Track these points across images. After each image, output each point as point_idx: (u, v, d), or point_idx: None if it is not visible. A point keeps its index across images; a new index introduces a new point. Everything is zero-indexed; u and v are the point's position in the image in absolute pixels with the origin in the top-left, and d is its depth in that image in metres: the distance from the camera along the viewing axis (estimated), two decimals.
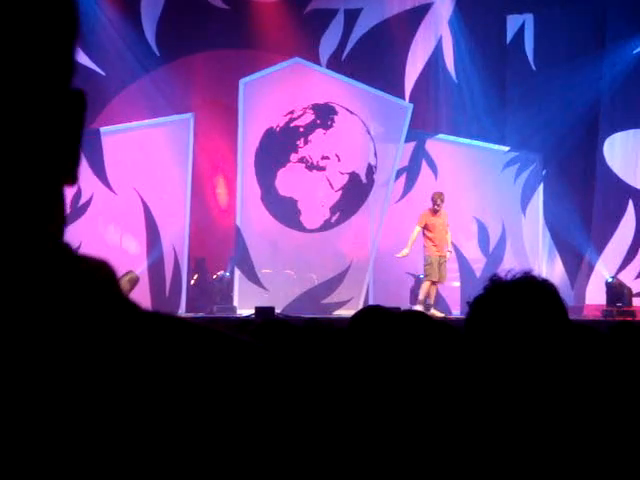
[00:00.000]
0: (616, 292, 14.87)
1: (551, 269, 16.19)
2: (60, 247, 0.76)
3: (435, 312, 13.92)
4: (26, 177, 0.73)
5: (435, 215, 14.57)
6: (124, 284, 13.51)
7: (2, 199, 0.71)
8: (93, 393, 0.71)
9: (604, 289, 15.14)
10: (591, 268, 16.04)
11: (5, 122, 0.72)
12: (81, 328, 0.73)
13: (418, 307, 13.83)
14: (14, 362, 0.70)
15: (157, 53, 15.51)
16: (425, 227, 14.54)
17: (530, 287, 2.36)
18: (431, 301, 14.47)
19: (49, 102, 0.75)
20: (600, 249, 15.98)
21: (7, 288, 0.71)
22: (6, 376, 0.70)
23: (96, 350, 0.73)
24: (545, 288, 2.38)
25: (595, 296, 15.59)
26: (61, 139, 0.76)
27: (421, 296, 14.34)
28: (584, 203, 16.13)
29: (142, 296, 14.26)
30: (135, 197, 15.24)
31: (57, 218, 0.77)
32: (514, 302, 2.33)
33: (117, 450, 0.70)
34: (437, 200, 14.59)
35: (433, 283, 14.51)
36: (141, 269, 15.01)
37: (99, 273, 0.78)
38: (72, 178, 0.78)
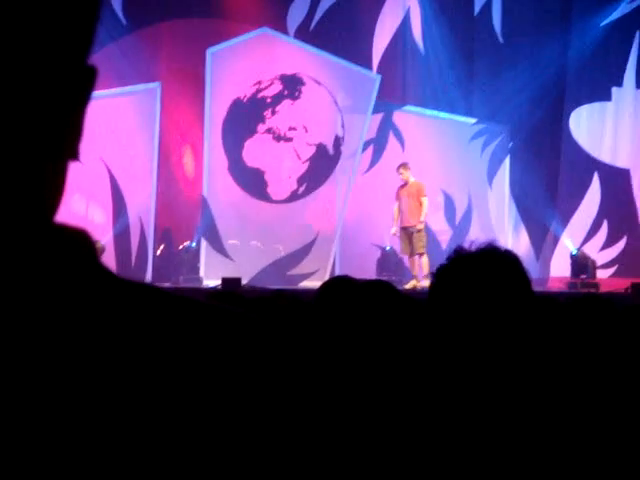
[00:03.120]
0: (581, 264, 14.98)
1: (517, 241, 16.27)
2: (48, 219, 0.76)
3: (413, 284, 14.02)
4: (29, 149, 0.73)
5: (403, 187, 14.58)
6: None
7: (3, 170, 0.71)
8: (83, 367, 0.71)
9: (569, 261, 15.24)
10: (556, 240, 16.13)
11: (14, 92, 0.71)
12: (64, 299, 0.73)
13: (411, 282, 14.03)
14: None
15: (124, 21, 15.38)
16: (397, 200, 14.59)
17: (493, 257, 2.38)
18: (413, 272, 14.46)
19: (63, 75, 0.75)
20: (565, 221, 16.08)
21: None
22: None
23: (80, 323, 0.73)
24: (508, 258, 2.40)
25: (560, 268, 15.69)
26: (67, 113, 0.76)
27: (416, 270, 14.41)
28: (550, 176, 16.20)
29: (108, 266, 14.19)
30: (101, 167, 15.15)
31: (57, 191, 0.77)
32: (477, 272, 2.34)
33: (111, 431, 0.69)
34: (399, 170, 14.63)
35: (408, 255, 14.55)
36: (107, 239, 14.96)
37: (79, 242, 0.79)
38: (74, 153, 0.78)
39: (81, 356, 0.71)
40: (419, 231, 14.43)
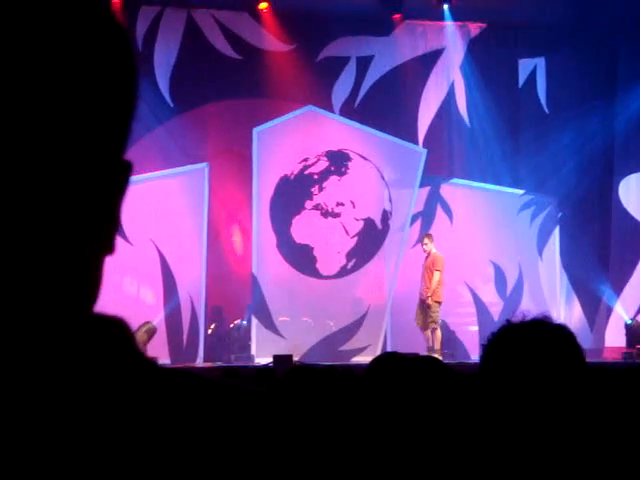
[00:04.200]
0: (636, 334, 14.78)
1: (569, 311, 16.12)
2: (87, 311, 0.78)
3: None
4: (67, 245, 0.74)
5: (426, 258, 14.54)
6: (142, 335, 13.52)
7: (43, 265, 0.73)
8: (111, 450, 0.72)
9: (623, 331, 15.05)
10: (609, 310, 15.96)
11: (52, 189, 0.73)
12: (98, 388, 0.75)
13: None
14: (39, 426, 0.72)
15: (171, 104, 15.60)
16: None
17: (543, 329, 2.34)
18: (432, 345, 14.15)
19: (99, 172, 0.77)
20: (618, 291, 15.92)
21: (28, 350, 0.73)
22: (33, 438, 0.71)
23: (113, 410, 0.74)
24: (560, 332, 2.36)
25: (615, 338, 15.50)
26: (104, 209, 0.78)
27: (429, 343, 14.18)
28: (600, 245, 16.10)
29: (160, 346, 14.26)
30: (151, 247, 15.27)
31: (94, 284, 0.79)
32: (527, 344, 2.31)
33: None
34: (423, 241, 14.63)
35: (421, 329, 14.40)
36: (158, 319, 15.01)
37: (116, 331, 0.80)
38: (110, 248, 0.80)
39: (105, 439, 0.73)
40: (429, 306, 14.24)
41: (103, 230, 0.78)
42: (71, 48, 0.74)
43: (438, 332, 14.26)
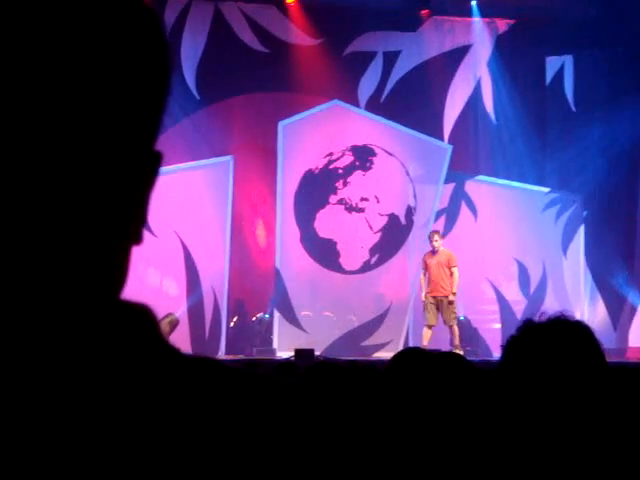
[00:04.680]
0: None
1: (593, 311, 16.05)
2: (114, 298, 0.79)
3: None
4: (96, 233, 0.75)
5: (433, 255, 14.43)
6: (164, 326, 13.56)
7: (71, 252, 0.74)
8: (137, 436, 0.73)
9: None
10: (634, 310, 15.89)
11: (83, 178, 0.74)
12: (124, 374, 0.76)
13: None
14: (63, 410, 0.72)
15: (197, 97, 15.63)
16: (425, 268, 14.45)
17: (563, 328, 2.34)
18: (423, 343, 13.85)
19: (130, 161, 0.78)
20: None
21: (56, 336, 0.74)
22: (57, 421, 0.72)
23: (139, 396, 0.75)
24: (579, 329, 2.35)
25: (638, 338, 15.43)
26: (133, 199, 0.79)
27: (424, 342, 14.02)
28: (626, 244, 16.02)
29: (182, 338, 14.29)
30: (175, 239, 15.31)
31: (121, 272, 0.80)
32: (548, 343, 2.30)
33: None
34: (430, 239, 14.51)
35: (429, 327, 14.29)
36: (181, 311, 15.06)
37: (141, 318, 0.80)
38: (138, 238, 0.81)
39: (132, 426, 0.74)
40: (451, 302, 14.20)
41: (132, 219, 0.79)
42: (105, 37, 0.75)
43: (456, 328, 14.25)
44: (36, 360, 0.73)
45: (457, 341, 14.18)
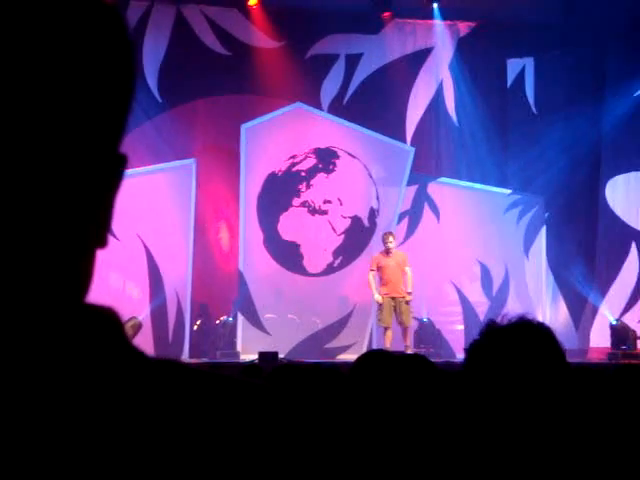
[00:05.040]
0: (621, 335, 14.81)
1: (555, 312, 16.15)
2: (79, 301, 0.79)
3: None
4: (60, 237, 0.75)
5: (387, 256, 14.43)
6: (127, 330, 13.46)
7: (36, 255, 0.73)
8: (102, 440, 0.72)
9: (609, 332, 15.08)
10: (595, 311, 15.99)
11: (46, 180, 0.73)
12: (90, 376, 0.75)
13: None
14: (25, 414, 0.72)
15: (159, 99, 15.57)
16: (377, 269, 14.44)
17: (525, 330, 2.36)
18: (386, 345, 13.86)
19: (94, 164, 0.77)
20: (604, 292, 15.95)
21: (21, 339, 0.73)
22: (18, 424, 0.71)
23: (105, 398, 0.74)
24: (540, 331, 2.38)
25: (600, 339, 15.53)
26: (98, 202, 0.78)
27: (387, 344, 14.00)
28: (587, 246, 16.12)
29: (145, 342, 14.23)
30: (138, 243, 15.25)
31: (86, 275, 0.79)
32: (510, 346, 2.32)
33: None
34: (385, 240, 14.48)
35: (385, 329, 14.31)
36: (144, 315, 14.99)
37: (107, 320, 0.80)
38: (103, 241, 0.80)
39: (94, 428, 0.73)
40: (408, 302, 14.25)
41: (96, 222, 0.79)
42: (69, 39, 0.74)
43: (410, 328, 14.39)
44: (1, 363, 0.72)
45: (408, 341, 14.23)
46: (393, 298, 14.21)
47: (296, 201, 16.06)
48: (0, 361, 0.72)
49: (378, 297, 14.29)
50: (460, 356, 14.72)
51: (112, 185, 0.80)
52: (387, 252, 14.39)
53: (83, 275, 0.79)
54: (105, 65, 0.76)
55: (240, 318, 15.76)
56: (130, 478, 0.71)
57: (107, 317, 0.80)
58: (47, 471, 0.70)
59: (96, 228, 0.79)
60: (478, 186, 16.50)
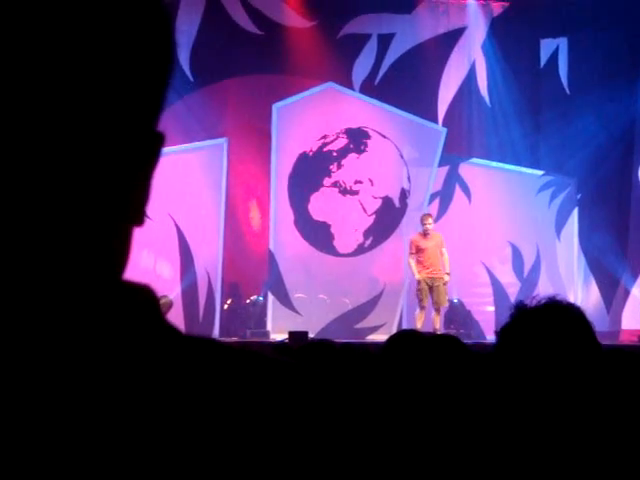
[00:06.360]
0: None
1: (586, 293, 16.08)
2: (116, 279, 0.79)
3: None
4: (97, 213, 0.75)
5: (425, 238, 14.42)
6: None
7: (72, 236, 0.73)
8: (138, 415, 0.73)
9: None
10: (627, 293, 15.91)
11: (85, 158, 0.73)
12: (128, 353, 0.75)
13: None
14: (69, 392, 0.72)
15: (191, 78, 15.58)
16: (416, 251, 14.42)
17: (556, 312, 2.35)
18: (417, 325, 13.88)
19: (131, 141, 0.77)
20: (636, 273, 15.86)
21: (59, 318, 0.73)
22: (56, 398, 0.72)
23: (143, 375, 0.75)
24: (571, 312, 2.36)
25: (631, 321, 15.47)
26: (135, 179, 0.78)
27: (418, 324, 14.07)
28: (619, 227, 16.03)
29: (176, 320, 14.01)
30: (169, 222, 15.29)
31: (123, 253, 0.79)
32: (541, 328, 2.31)
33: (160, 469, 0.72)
34: (424, 221, 14.46)
35: (422, 308, 14.31)
36: (175, 293, 15.05)
37: (143, 298, 0.80)
38: (139, 219, 0.80)
39: (140, 407, 0.73)
40: (445, 283, 14.29)
41: (133, 201, 0.78)
42: (106, 15, 0.73)
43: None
44: (41, 343, 0.72)
45: (438, 325, 14.23)
46: (432, 278, 14.23)
47: (327, 181, 16.04)
48: (42, 337, 0.73)
49: (420, 276, 14.31)
50: (490, 337, 14.70)
51: (149, 163, 0.80)
52: (425, 234, 14.39)
53: (120, 253, 0.79)
54: (143, 38, 0.76)
55: (270, 298, 15.79)
56: (168, 454, 0.72)
57: (143, 294, 0.80)
58: (88, 445, 0.71)
59: (132, 206, 0.78)
60: (510, 167, 16.42)
